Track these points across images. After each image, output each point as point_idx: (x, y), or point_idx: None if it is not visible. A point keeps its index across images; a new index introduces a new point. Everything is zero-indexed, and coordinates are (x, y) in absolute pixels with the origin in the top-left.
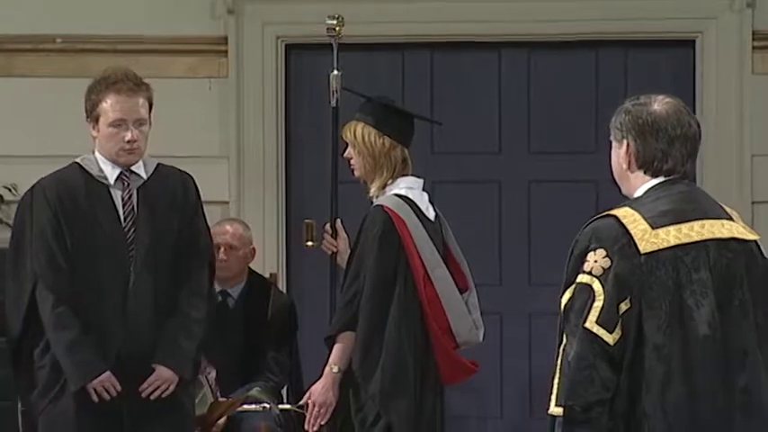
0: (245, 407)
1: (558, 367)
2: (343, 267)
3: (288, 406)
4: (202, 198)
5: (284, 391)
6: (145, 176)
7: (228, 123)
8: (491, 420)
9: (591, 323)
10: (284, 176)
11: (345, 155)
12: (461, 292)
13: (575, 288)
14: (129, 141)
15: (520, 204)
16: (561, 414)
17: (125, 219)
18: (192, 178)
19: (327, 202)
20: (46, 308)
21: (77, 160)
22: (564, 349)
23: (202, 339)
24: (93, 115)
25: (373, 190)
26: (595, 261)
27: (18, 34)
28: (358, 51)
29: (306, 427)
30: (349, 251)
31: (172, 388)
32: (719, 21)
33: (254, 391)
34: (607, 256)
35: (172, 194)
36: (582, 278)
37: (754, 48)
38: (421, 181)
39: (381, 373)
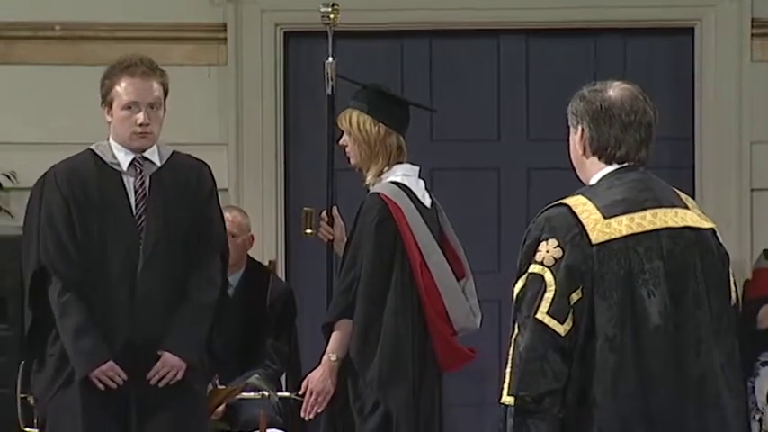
0: (244, 394)
1: (510, 357)
2: (341, 255)
3: (287, 394)
4: (216, 186)
5: (283, 379)
6: (159, 163)
7: (227, 111)
8: (490, 407)
9: (542, 314)
10: (283, 164)
11: (341, 142)
12: (458, 279)
13: (526, 278)
14: (141, 124)
15: (519, 191)
16: (512, 404)
17: (136, 206)
18: (208, 167)
19: (326, 190)
20: (54, 295)
21: (92, 147)
22: (515, 339)
23: (214, 325)
24: (107, 100)
25: (369, 178)
26: (547, 251)
27: (17, 21)
28: (357, 39)
29: (302, 414)
30: (346, 239)
31: (180, 374)
32: (718, 8)
33: (253, 379)
34: (559, 246)
35: (185, 183)
36: (534, 268)
37: (753, 35)
38: (417, 168)
39: (379, 361)
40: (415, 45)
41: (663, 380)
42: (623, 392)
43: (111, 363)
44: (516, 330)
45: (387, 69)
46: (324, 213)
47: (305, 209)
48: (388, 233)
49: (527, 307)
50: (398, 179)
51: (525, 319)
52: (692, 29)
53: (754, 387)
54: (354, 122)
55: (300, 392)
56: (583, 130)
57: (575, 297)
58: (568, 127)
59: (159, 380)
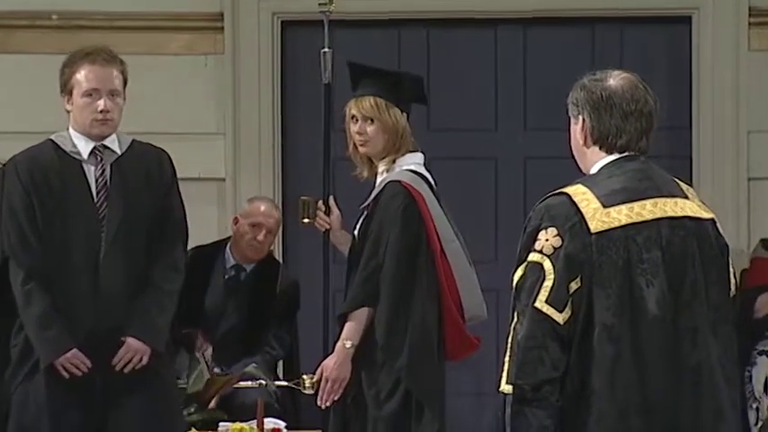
0: (242, 383)
1: (509, 345)
2: (337, 245)
3: (284, 383)
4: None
5: (279, 369)
6: (119, 152)
7: (225, 100)
8: (487, 396)
9: (541, 303)
10: (280, 153)
11: (357, 129)
12: None
13: (526, 266)
14: (102, 111)
15: (516, 181)
16: (511, 392)
17: (98, 194)
18: (168, 155)
19: (322, 179)
20: (16, 284)
21: (51, 137)
22: (514, 328)
23: (200, 312)
24: (67, 88)
25: (382, 166)
26: (546, 240)
27: (14, 10)
28: (354, 28)
29: (319, 403)
30: (342, 228)
31: (145, 359)
32: None
33: (251, 368)
34: (558, 235)
35: (146, 171)
36: (533, 257)
37: (750, 24)
38: (423, 157)
39: (409, 347)
40: (413, 34)
41: (659, 370)
42: (621, 382)
43: (75, 350)
44: (515, 319)
45: (384, 58)
46: (320, 203)
47: (302, 198)
48: (414, 220)
49: (526, 295)
50: (413, 167)
51: (524, 308)
52: (690, 18)
53: (751, 376)
54: (384, 111)
55: (315, 380)
56: (584, 119)
57: (573, 286)
58: (569, 117)
59: (124, 366)
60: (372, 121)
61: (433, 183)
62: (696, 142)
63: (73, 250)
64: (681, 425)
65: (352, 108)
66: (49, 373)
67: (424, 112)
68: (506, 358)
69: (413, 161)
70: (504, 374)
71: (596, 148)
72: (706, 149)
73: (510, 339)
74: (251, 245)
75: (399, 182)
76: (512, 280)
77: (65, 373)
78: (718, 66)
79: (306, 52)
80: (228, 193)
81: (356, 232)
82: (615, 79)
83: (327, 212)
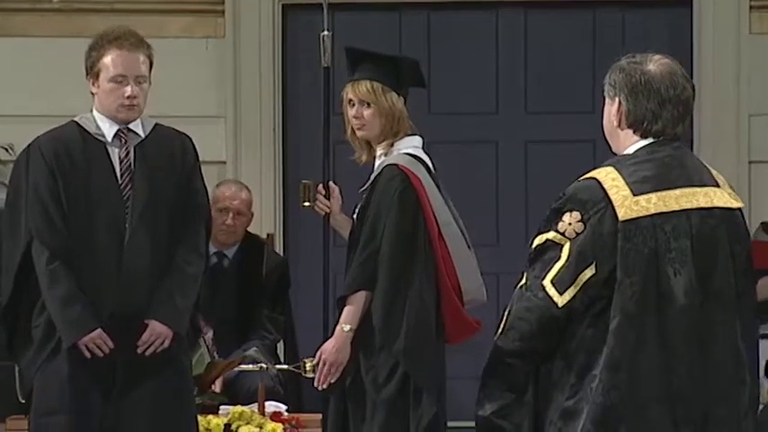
0: (243, 367)
1: (511, 302)
2: (338, 229)
3: (285, 366)
4: (199, 158)
5: (280, 351)
6: (143, 135)
7: (225, 83)
8: None
9: (548, 281)
10: (281, 137)
11: (354, 113)
12: None
13: (546, 241)
14: (128, 97)
15: (517, 164)
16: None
17: (122, 176)
18: (190, 139)
19: (322, 163)
20: (41, 264)
21: (75, 119)
22: (520, 287)
23: (199, 296)
24: (93, 71)
25: (380, 150)
26: (569, 224)
27: None
28: (354, 12)
29: (316, 384)
30: (341, 212)
31: (166, 343)
32: None
33: (252, 351)
34: (581, 221)
35: (170, 154)
36: (555, 236)
37: (751, 7)
38: (421, 140)
39: (406, 331)
40: (414, 18)
41: (686, 358)
42: (643, 371)
43: (99, 330)
44: (523, 281)
45: (385, 42)
46: (320, 186)
47: (302, 182)
48: (411, 203)
49: (540, 267)
50: (410, 150)
51: (534, 279)
52: (691, 1)
53: None
54: (381, 95)
55: (299, 365)
56: (620, 102)
57: (588, 273)
58: (603, 96)
59: (146, 348)
60: (369, 104)
61: (431, 166)
62: (697, 125)
63: (97, 232)
64: (706, 414)
65: (349, 92)
66: (71, 353)
67: (425, 96)
68: (505, 313)
69: (411, 144)
70: (500, 328)
71: (630, 132)
72: (707, 133)
73: (513, 296)
74: (221, 229)
75: (396, 165)
76: (531, 242)
77: (87, 353)
78: (719, 49)
79: (306, 36)
80: (229, 177)
81: (356, 216)
82: (655, 64)
83: (327, 196)
